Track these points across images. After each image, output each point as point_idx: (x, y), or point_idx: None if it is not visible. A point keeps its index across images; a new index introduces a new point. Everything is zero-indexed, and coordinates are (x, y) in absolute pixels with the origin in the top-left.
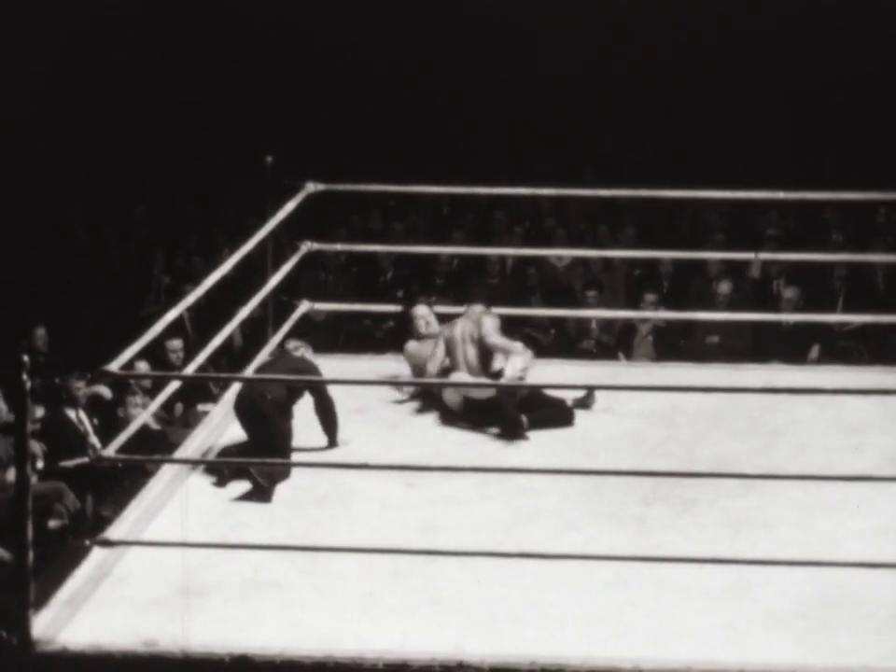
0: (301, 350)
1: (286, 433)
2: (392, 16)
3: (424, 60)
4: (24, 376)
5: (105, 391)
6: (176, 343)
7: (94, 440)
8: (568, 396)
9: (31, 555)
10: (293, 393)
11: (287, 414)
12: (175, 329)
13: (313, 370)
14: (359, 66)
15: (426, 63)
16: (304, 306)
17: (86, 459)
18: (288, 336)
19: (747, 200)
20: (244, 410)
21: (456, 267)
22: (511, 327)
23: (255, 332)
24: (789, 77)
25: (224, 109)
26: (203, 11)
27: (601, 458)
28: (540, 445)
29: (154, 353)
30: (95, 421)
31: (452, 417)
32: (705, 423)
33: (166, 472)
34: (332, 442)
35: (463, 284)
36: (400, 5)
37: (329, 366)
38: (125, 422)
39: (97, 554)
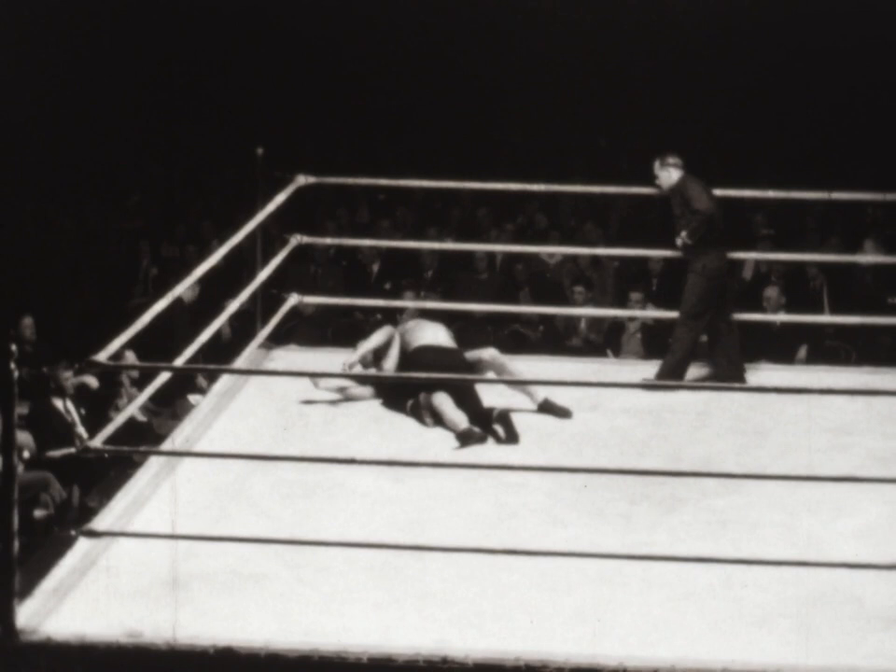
0: None
1: None
2: (384, 9)
3: (417, 54)
4: (12, 365)
5: (93, 381)
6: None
7: (81, 430)
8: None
9: (16, 545)
10: None
11: None
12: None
13: None
14: (351, 59)
15: (419, 58)
16: (293, 299)
17: (73, 449)
18: None
19: (736, 198)
20: None
21: (445, 261)
22: (498, 323)
23: (244, 325)
24: (783, 78)
25: (215, 101)
26: (196, 4)
27: (588, 456)
28: (528, 442)
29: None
30: (83, 411)
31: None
32: (692, 421)
33: (153, 463)
34: None
35: (451, 277)
36: None
37: (318, 359)
38: (113, 412)
39: (83, 545)
